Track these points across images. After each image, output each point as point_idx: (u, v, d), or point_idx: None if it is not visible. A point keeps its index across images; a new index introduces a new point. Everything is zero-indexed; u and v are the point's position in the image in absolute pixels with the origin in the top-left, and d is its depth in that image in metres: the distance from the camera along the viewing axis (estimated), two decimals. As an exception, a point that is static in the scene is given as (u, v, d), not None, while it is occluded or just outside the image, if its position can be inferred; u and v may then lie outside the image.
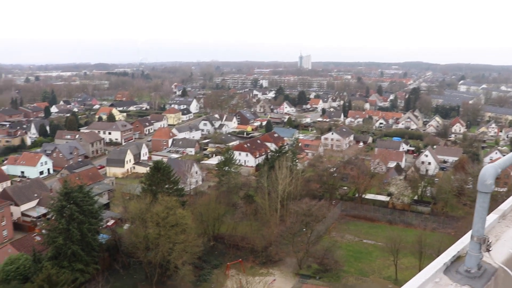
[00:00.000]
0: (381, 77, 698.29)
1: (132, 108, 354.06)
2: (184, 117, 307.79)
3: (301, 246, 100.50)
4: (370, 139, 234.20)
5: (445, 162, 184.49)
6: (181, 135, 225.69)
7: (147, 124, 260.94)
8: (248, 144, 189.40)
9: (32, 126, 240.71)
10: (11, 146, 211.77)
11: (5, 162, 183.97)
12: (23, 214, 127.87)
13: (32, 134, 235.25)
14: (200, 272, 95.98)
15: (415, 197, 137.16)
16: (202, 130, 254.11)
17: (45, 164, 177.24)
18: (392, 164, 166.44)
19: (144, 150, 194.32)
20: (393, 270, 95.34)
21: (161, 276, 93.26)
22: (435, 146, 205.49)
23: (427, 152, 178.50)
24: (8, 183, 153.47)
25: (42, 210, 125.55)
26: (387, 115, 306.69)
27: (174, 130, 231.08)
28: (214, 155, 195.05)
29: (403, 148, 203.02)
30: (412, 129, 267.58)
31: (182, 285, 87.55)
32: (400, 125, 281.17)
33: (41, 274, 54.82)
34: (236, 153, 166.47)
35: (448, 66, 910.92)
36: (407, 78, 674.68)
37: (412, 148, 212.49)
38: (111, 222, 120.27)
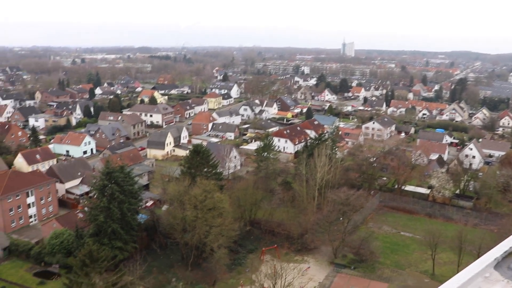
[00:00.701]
0: (426, 67, 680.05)
1: (173, 91, 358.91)
2: (225, 102, 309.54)
3: (337, 235, 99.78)
4: (412, 130, 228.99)
5: (490, 156, 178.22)
6: (221, 120, 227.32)
7: (188, 107, 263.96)
8: (288, 131, 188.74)
9: (77, 106, 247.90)
10: (57, 125, 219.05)
11: (52, 141, 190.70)
12: (67, 191, 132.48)
13: (77, 115, 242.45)
14: (235, 256, 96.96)
15: (457, 191, 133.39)
16: (242, 115, 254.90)
17: (88, 144, 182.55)
18: (434, 156, 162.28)
19: (184, 134, 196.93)
20: (430, 264, 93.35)
21: (196, 257, 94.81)
22: (480, 140, 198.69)
23: (471, 145, 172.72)
24: (54, 161, 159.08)
25: (85, 188, 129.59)
26: (431, 105, 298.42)
27: (214, 115, 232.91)
28: (253, 140, 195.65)
29: (446, 140, 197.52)
30: (456, 121, 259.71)
31: (217, 268, 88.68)
32: (444, 117, 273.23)
33: (83, 250, 56.66)
34: (276, 139, 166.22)
35: (499, 56, 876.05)
36: (454, 68, 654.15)
37: (456, 141, 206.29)
38: (150, 203, 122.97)
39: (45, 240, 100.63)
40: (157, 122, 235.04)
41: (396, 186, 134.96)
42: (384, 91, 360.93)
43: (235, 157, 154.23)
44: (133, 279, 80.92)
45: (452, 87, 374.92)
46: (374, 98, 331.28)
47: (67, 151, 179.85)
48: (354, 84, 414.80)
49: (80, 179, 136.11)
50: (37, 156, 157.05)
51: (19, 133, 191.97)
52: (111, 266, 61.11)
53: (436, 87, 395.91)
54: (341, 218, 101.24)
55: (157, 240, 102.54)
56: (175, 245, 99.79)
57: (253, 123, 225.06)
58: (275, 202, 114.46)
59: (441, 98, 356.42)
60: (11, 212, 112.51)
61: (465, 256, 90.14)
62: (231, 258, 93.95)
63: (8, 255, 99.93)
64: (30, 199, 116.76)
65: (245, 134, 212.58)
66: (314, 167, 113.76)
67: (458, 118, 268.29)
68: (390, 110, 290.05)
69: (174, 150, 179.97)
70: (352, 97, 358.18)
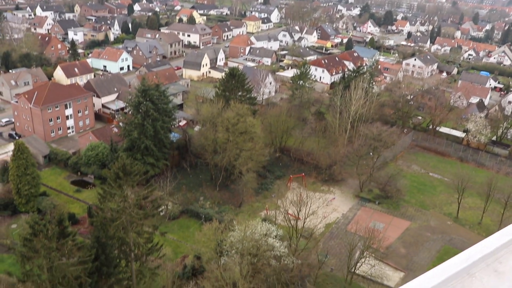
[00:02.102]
0: (480, 3, 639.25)
1: (212, 12, 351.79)
2: (264, 26, 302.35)
3: (365, 170, 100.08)
4: (455, 70, 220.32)
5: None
6: (259, 44, 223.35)
7: (226, 29, 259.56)
8: (326, 61, 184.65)
9: (116, 22, 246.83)
10: (95, 40, 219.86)
11: (90, 55, 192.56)
12: (103, 106, 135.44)
13: (115, 30, 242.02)
14: (262, 181, 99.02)
15: (494, 138, 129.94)
16: (281, 41, 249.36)
17: (125, 60, 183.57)
18: (474, 100, 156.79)
19: (221, 56, 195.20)
20: (455, 207, 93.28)
21: (225, 179, 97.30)
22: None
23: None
24: (92, 75, 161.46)
25: (121, 104, 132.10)
26: (479, 46, 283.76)
27: (252, 38, 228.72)
28: (290, 67, 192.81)
29: (490, 84, 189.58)
30: (504, 65, 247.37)
31: (244, 191, 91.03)
32: (492, 59, 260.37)
33: (117, 163, 58.53)
34: (313, 68, 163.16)
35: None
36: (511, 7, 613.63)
37: (501, 86, 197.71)
38: (183, 123, 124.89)
39: (82, 151, 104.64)
40: (195, 42, 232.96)
41: (430, 127, 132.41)
42: (430, 27, 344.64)
43: (270, 83, 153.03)
44: (163, 194, 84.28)
45: (506, 27, 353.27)
46: (418, 34, 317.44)
47: (105, 66, 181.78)
48: (399, 17, 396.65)
49: (116, 94, 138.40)
50: (76, 69, 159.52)
51: (59, 45, 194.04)
52: (142, 181, 63.34)
53: (488, 26, 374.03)
54: (371, 153, 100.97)
55: (188, 159, 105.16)
56: (205, 166, 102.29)
57: (291, 50, 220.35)
58: (307, 131, 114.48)
59: (491, 39, 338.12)
60: (50, 123, 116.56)
61: (491, 204, 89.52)
62: (259, 182, 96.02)
63: (48, 162, 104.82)
64: (68, 111, 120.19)
65: (282, 61, 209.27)
66: (349, 99, 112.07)
67: (507, 62, 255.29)
68: (434, 47, 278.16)
69: (209, 72, 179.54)
70: (396, 31, 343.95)
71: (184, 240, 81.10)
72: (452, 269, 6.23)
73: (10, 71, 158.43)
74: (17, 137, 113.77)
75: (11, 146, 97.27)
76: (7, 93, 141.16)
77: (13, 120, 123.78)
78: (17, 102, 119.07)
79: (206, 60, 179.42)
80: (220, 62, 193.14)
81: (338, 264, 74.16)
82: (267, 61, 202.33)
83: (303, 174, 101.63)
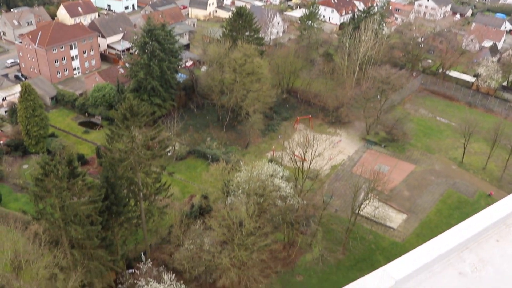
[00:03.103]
0: None
1: None
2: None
3: (372, 112, 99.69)
4: (469, 12, 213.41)
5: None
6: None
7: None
8: (335, 0, 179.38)
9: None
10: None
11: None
12: (109, 46, 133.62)
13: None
14: (269, 122, 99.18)
15: (504, 83, 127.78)
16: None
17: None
18: (487, 44, 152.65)
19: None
20: (460, 152, 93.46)
21: (232, 120, 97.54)
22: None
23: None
24: (96, 15, 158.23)
25: (126, 44, 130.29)
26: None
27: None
28: (298, 7, 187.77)
29: (505, 28, 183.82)
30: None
31: (250, 132, 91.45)
32: (510, 0, 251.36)
33: (124, 104, 58.41)
34: (322, 8, 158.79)
35: None
36: None
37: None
38: (189, 63, 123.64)
39: (88, 92, 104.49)
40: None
41: (440, 70, 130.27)
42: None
43: (278, 23, 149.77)
44: (170, 135, 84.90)
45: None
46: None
47: (109, 5, 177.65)
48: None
49: (122, 34, 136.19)
50: (79, 8, 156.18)
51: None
52: (149, 122, 63.56)
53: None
54: (378, 96, 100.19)
55: (195, 100, 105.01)
56: (212, 107, 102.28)
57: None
58: (314, 73, 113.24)
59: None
60: (56, 64, 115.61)
61: (497, 149, 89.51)
62: (265, 123, 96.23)
63: (56, 104, 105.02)
64: (74, 52, 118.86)
65: (291, 0, 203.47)
66: (359, 41, 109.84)
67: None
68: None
69: (216, 11, 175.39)
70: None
71: (191, 180, 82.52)
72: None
73: (11, 10, 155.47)
74: (23, 79, 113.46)
75: (18, 88, 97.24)
76: (10, 33, 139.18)
77: (18, 61, 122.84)
78: (21, 42, 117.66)
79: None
80: (227, 1, 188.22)
81: (342, 205, 75.63)
82: (275, 0, 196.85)
83: (310, 116, 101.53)
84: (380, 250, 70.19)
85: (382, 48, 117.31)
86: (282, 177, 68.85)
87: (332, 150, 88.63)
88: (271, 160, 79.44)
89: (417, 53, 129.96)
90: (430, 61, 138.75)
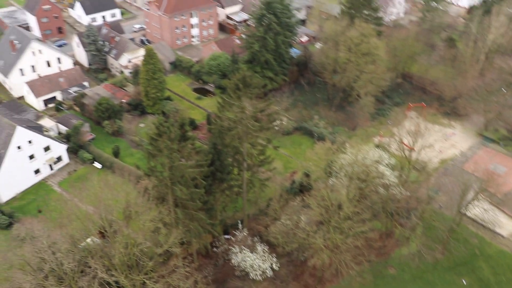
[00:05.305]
0: None
1: None
2: None
3: (494, 107, 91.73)
4: None
5: None
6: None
7: None
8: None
9: None
10: None
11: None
12: (227, 16, 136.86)
13: None
14: (380, 106, 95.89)
15: None
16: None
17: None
18: None
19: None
20: None
21: (342, 100, 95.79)
22: None
23: None
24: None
25: (244, 16, 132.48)
26: None
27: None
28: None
29: None
30: None
31: (360, 114, 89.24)
32: None
33: (237, 74, 59.83)
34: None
35: None
36: None
37: None
38: (304, 39, 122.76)
39: (204, 60, 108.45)
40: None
41: None
42: None
43: (400, 3, 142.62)
44: (279, 109, 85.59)
45: None
46: None
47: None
48: None
49: (240, 6, 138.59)
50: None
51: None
52: (260, 94, 64.48)
53: None
54: (504, 89, 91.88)
55: (306, 76, 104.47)
56: (323, 85, 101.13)
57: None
58: (434, 58, 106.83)
59: None
60: (177, 30, 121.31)
61: None
62: (376, 107, 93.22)
63: (174, 69, 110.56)
64: (194, 20, 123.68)
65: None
66: (488, 27, 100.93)
67: None
68: None
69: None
70: None
71: (295, 156, 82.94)
72: None
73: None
74: (147, 43, 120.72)
75: (142, 51, 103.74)
76: (140, 0, 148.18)
77: (144, 26, 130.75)
78: (148, 9, 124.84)
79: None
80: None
81: (448, 203, 71.13)
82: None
83: (424, 103, 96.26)
84: (485, 257, 65.51)
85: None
86: (387, 165, 66.66)
87: (443, 142, 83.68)
88: (377, 146, 77.11)
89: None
90: None
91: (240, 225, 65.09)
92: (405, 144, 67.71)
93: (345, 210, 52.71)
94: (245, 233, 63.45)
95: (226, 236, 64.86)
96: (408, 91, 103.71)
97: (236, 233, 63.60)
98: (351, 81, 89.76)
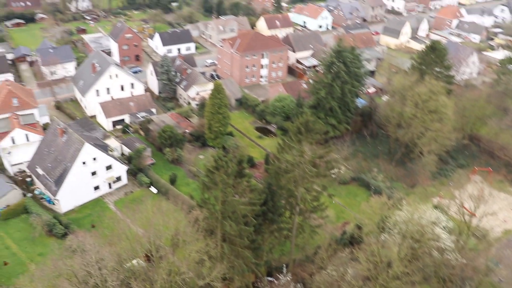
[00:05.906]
0: None
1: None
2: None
3: None
4: None
5: None
6: (469, 18, 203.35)
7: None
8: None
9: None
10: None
11: (293, 10, 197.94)
12: (297, 61, 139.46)
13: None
14: (442, 166, 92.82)
15: None
16: (496, 17, 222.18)
17: (325, 19, 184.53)
18: None
19: (424, 26, 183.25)
20: None
21: (403, 155, 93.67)
22: None
23: None
24: (291, 30, 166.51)
25: (314, 62, 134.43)
26: None
27: (462, 10, 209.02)
28: (500, 48, 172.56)
29: None
30: None
31: (421, 172, 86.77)
32: None
33: (301, 118, 60.26)
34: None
35: None
36: None
37: None
38: (371, 90, 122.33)
39: (270, 101, 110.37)
40: (398, 8, 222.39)
41: None
42: None
43: (474, 63, 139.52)
44: (338, 157, 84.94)
45: None
46: None
47: (304, 22, 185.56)
48: None
49: (311, 51, 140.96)
50: (277, 22, 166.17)
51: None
52: (321, 140, 64.50)
53: None
54: None
55: (370, 127, 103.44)
56: (385, 138, 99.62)
57: (508, 28, 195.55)
58: (506, 123, 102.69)
59: None
60: (246, 69, 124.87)
61: None
62: (438, 166, 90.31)
63: (239, 105, 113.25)
64: (264, 61, 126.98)
65: (493, 39, 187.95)
66: None
67: None
68: None
69: (408, 42, 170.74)
70: None
71: (349, 206, 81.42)
72: None
73: (220, 17, 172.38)
74: (216, 78, 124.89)
75: (210, 85, 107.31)
76: (215, 37, 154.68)
77: (216, 62, 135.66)
78: (221, 46, 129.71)
79: (407, 29, 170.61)
80: (422, 33, 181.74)
81: (509, 277, 66.73)
82: (475, 38, 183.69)
83: (490, 168, 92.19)
84: None
85: None
86: (444, 227, 63.89)
87: (509, 212, 79.32)
88: (436, 207, 74.24)
89: None
90: None
91: (284, 269, 64.13)
92: (465, 209, 64.92)
93: (394, 269, 50.75)
94: (288, 278, 62.33)
95: (269, 278, 63.98)
96: (475, 153, 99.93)
97: (280, 277, 62.60)
98: (415, 137, 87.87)
